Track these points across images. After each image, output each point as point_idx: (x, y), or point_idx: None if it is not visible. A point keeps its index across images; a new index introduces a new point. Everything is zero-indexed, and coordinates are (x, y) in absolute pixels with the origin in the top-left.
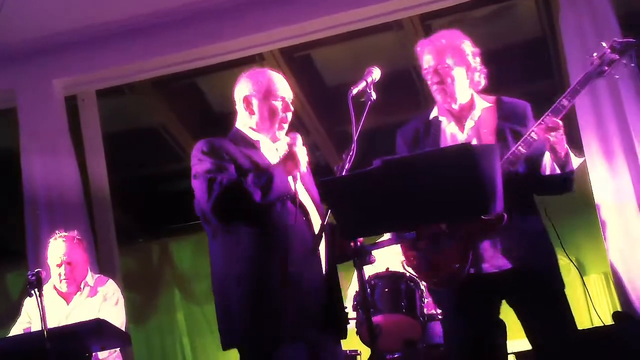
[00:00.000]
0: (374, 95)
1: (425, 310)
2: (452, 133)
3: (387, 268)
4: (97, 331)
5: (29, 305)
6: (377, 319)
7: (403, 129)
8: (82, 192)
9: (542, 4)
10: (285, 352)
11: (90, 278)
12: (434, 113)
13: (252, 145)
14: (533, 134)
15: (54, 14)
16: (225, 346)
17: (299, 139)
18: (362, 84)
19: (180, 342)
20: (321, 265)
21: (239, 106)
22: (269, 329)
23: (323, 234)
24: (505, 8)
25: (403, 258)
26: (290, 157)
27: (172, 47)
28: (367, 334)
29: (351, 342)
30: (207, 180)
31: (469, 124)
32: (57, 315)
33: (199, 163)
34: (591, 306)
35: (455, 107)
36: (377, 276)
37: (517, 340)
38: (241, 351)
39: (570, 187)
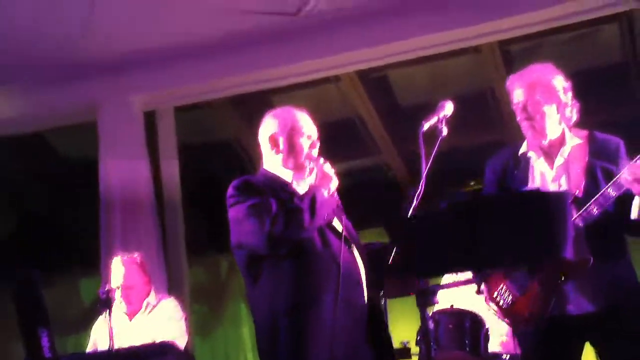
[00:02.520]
0: (445, 131)
1: (489, 349)
2: (541, 170)
3: (452, 305)
4: (160, 354)
5: (96, 328)
6: (441, 355)
7: (492, 161)
8: (155, 203)
9: (627, 29)
10: None
11: (153, 298)
12: (523, 148)
13: (284, 183)
14: (624, 177)
15: (137, 30)
16: None
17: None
18: (434, 119)
19: (245, 357)
20: (364, 296)
21: (265, 146)
22: None
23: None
24: (586, 34)
25: (484, 295)
26: (322, 174)
27: (249, 67)
28: None
29: None
30: (255, 214)
31: (559, 160)
32: (122, 333)
33: (238, 203)
34: None
35: (545, 143)
36: (441, 312)
37: None
38: None
39: None
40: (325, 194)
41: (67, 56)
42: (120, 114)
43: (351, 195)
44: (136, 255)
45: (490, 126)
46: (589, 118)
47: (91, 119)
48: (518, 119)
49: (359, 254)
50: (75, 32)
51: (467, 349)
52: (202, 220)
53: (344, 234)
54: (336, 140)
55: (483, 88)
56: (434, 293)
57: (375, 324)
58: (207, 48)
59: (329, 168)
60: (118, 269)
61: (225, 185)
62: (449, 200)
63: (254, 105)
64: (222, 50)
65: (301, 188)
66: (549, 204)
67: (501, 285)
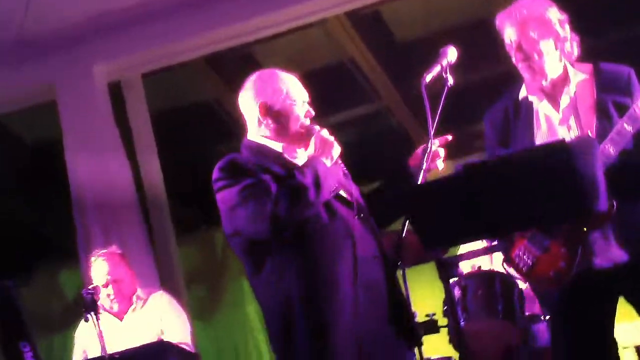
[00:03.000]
0: (451, 80)
1: (525, 311)
2: (545, 114)
3: (479, 267)
4: (160, 354)
5: (81, 334)
6: (470, 326)
7: (490, 111)
8: (133, 183)
9: None
10: None
11: (141, 292)
12: (522, 92)
13: (276, 154)
14: (638, 107)
15: None
16: None
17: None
18: (436, 69)
19: (254, 338)
20: (382, 271)
21: (251, 115)
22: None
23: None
24: None
25: (502, 257)
26: (321, 142)
27: (224, 20)
28: (458, 343)
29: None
30: (251, 196)
31: (564, 101)
32: (112, 334)
33: (228, 187)
34: None
35: (546, 83)
36: (468, 276)
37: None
38: None
39: None
40: (328, 163)
41: (12, 36)
42: (81, 88)
43: (351, 149)
44: (114, 248)
45: (497, 57)
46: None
47: (52, 99)
48: (513, 60)
49: (370, 223)
50: (18, 8)
51: (501, 315)
52: (188, 194)
53: (355, 204)
54: (328, 89)
55: (484, 15)
56: (456, 264)
57: (396, 300)
58: (174, 3)
59: (327, 134)
60: (100, 266)
61: (209, 151)
62: (464, 163)
63: (233, 62)
64: (191, 5)
65: (298, 160)
66: (574, 155)
67: (519, 247)
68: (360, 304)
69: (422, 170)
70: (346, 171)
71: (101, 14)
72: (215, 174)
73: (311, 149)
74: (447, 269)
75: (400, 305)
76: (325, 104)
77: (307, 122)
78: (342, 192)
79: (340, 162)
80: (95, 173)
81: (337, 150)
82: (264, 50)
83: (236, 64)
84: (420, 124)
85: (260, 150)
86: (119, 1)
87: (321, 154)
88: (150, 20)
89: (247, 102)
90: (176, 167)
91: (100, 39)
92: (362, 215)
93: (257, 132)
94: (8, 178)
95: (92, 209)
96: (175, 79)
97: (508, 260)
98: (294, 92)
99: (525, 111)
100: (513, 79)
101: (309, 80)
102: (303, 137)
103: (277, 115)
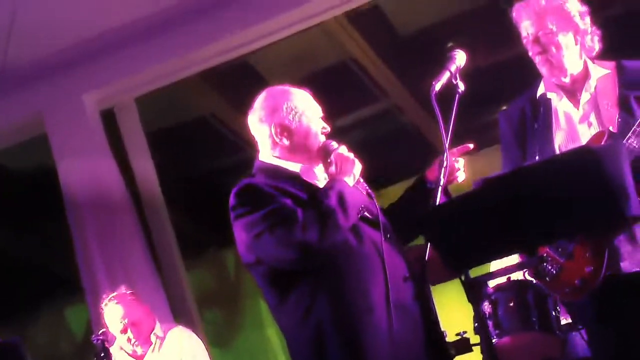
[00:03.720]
0: (461, 87)
1: (561, 320)
2: (565, 112)
3: (508, 278)
4: None
5: None
6: (504, 341)
7: (506, 110)
8: (134, 210)
9: None
10: None
11: (159, 329)
12: (540, 89)
13: (293, 176)
14: None
15: (67, 24)
16: None
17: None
18: (445, 75)
19: None
20: (413, 291)
21: (264, 134)
22: None
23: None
24: None
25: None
26: (342, 161)
27: (218, 34)
28: None
29: None
30: (277, 223)
31: (584, 97)
32: None
33: (249, 214)
34: None
35: (565, 80)
36: (498, 289)
37: None
38: None
39: None
40: (350, 182)
41: None
42: (72, 118)
43: (362, 151)
44: (124, 288)
45: (509, 40)
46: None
47: (41, 132)
48: (530, 54)
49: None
50: None
51: (536, 326)
52: (193, 214)
53: (382, 225)
54: (331, 91)
55: (486, 2)
56: (485, 284)
57: (429, 321)
58: (161, 22)
59: (347, 152)
60: (114, 311)
61: (211, 167)
62: (483, 177)
63: (229, 73)
64: (180, 22)
65: (318, 181)
66: (601, 160)
67: (541, 255)
68: (395, 328)
69: (440, 188)
70: (369, 190)
71: (88, 39)
72: (232, 200)
73: (331, 168)
74: (476, 290)
75: (433, 326)
76: (329, 108)
77: (323, 139)
78: (366, 213)
79: (362, 180)
80: (94, 202)
81: (358, 168)
82: (260, 57)
83: (232, 75)
84: (434, 120)
85: (277, 172)
86: (105, 25)
87: (343, 174)
88: (139, 42)
89: (259, 122)
90: (177, 187)
91: (88, 65)
92: (388, 235)
93: (271, 152)
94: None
95: (94, 241)
96: (169, 97)
97: (532, 270)
98: (309, 108)
99: (543, 109)
100: (520, 67)
101: (311, 84)
102: (321, 156)
103: (292, 135)
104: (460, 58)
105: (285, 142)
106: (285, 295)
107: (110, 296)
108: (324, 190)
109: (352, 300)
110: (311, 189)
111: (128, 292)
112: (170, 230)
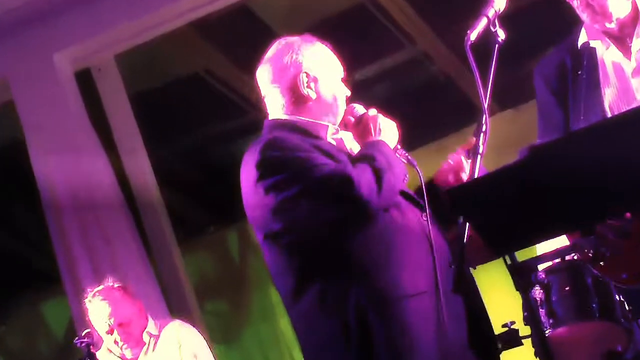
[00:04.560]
0: (501, 35)
1: (626, 306)
2: (614, 62)
3: (562, 258)
4: None
5: None
6: (560, 332)
7: (541, 65)
8: (118, 184)
9: None
10: None
11: (153, 326)
12: (582, 38)
13: (315, 135)
14: None
15: None
16: None
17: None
18: (482, 23)
19: (291, 356)
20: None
21: (286, 85)
22: None
23: None
24: None
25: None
26: (374, 122)
27: None
28: (543, 354)
29: None
30: (322, 181)
31: (636, 44)
32: None
33: (279, 175)
34: None
35: (611, 25)
36: (551, 270)
37: None
38: None
39: None
40: (391, 145)
41: None
42: (42, 82)
43: (385, 108)
44: (110, 281)
45: None
46: None
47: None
48: None
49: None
50: None
51: (597, 315)
52: (188, 189)
53: (427, 201)
54: (347, 39)
55: None
56: (535, 268)
57: (473, 311)
58: None
59: (384, 119)
60: (100, 309)
61: (207, 134)
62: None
63: (225, 23)
64: None
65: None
66: None
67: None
68: (445, 321)
69: (480, 155)
70: (410, 157)
71: None
72: (255, 157)
73: (366, 134)
74: (524, 276)
75: (480, 315)
76: (346, 58)
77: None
78: (423, 186)
79: (399, 147)
80: (70, 178)
81: (395, 130)
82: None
83: (229, 23)
84: (469, 70)
85: (305, 129)
86: None
87: (380, 136)
88: None
89: (282, 68)
90: (168, 159)
91: (58, 19)
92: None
93: (292, 109)
94: None
95: (73, 225)
96: (155, 54)
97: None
98: (337, 67)
99: (587, 61)
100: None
101: (323, 31)
102: (347, 123)
103: (320, 91)
104: (499, 1)
105: (312, 94)
106: (309, 276)
107: (95, 290)
108: (366, 152)
109: (398, 282)
110: (345, 151)
111: (115, 285)
112: (161, 209)
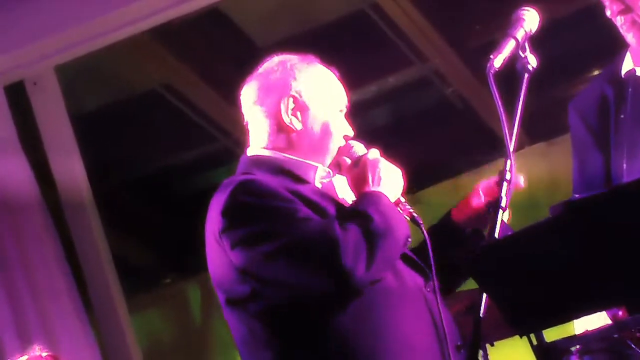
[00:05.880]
0: (532, 62)
1: None
2: None
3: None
4: None
5: None
6: None
7: (578, 98)
8: (53, 224)
9: None
10: None
11: None
12: (627, 65)
13: (300, 179)
14: None
15: None
16: None
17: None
18: (509, 46)
19: None
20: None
21: (269, 110)
22: None
23: None
24: None
25: None
26: (374, 167)
27: None
28: None
29: None
30: (304, 241)
31: None
32: None
33: (252, 226)
34: None
35: None
36: (587, 351)
37: None
38: None
39: None
40: (391, 198)
41: None
42: None
43: (390, 136)
44: (37, 350)
45: None
46: None
47: None
48: (608, 14)
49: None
50: None
51: None
52: (140, 231)
53: (432, 269)
54: (345, 52)
55: None
56: (567, 351)
57: None
58: None
59: (385, 160)
60: None
61: (165, 163)
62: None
63: (189, 31)
64: None
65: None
66: None
67: None
68: None
69: (501, 212)
70: (415, 214)
71: None
72: (224, 202)
73: (362, 181)
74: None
75: None
76: (344, 75)
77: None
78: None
79: (403, 200)
80: None
81: (400, 179)
82: (239, 3)
83: (197, 30)
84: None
85: (289, 170)
86: None
87: (379, 186)
88: None
89: (269, 87)
90: (115, 192)
91: None
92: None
93: (276, 141)
94: None
95: None
96: (104, 65)
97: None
98: (339, 97)
99: (632, 91)
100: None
101: (316, 42)
102: (342, 164)
103: (309, 122)
104: (530, 20)
105: (297, 124)
106: (289, 355)
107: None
108: (361, 207)
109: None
110: (335, 201)
111: (44, 353)
112: (106, 254)
